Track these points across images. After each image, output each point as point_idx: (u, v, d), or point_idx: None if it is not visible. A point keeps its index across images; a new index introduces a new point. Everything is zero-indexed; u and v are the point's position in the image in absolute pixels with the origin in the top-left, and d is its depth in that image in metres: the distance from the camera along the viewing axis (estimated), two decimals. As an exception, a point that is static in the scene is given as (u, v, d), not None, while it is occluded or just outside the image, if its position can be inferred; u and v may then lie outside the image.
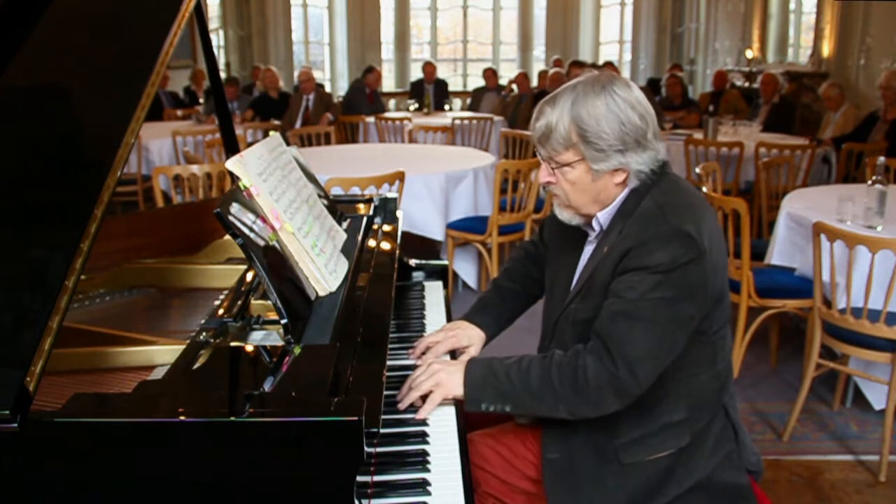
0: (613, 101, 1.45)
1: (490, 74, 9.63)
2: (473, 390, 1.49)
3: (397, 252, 2.09)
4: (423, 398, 1.50)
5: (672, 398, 1.52)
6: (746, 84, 9.48)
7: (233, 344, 1.42)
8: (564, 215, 1.59)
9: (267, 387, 1.22)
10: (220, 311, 1.56)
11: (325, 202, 1.91)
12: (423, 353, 1.71)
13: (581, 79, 1.51)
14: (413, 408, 1.50)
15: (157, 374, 1.39)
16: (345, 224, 2.01)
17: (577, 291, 1.56)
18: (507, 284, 1.86)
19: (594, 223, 1.56)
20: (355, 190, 3.63)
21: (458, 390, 1.49)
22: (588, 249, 1.61)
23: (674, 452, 1.52)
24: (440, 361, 1.57)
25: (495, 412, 1.50)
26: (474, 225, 4.36)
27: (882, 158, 3.44)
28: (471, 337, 1.75)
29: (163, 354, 1.43)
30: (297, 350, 1.35)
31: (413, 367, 1.60)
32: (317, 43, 13.09)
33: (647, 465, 1.52)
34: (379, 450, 1.34)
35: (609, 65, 8.66)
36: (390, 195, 2.44)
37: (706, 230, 1.46)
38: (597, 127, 1.45)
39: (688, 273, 1.42)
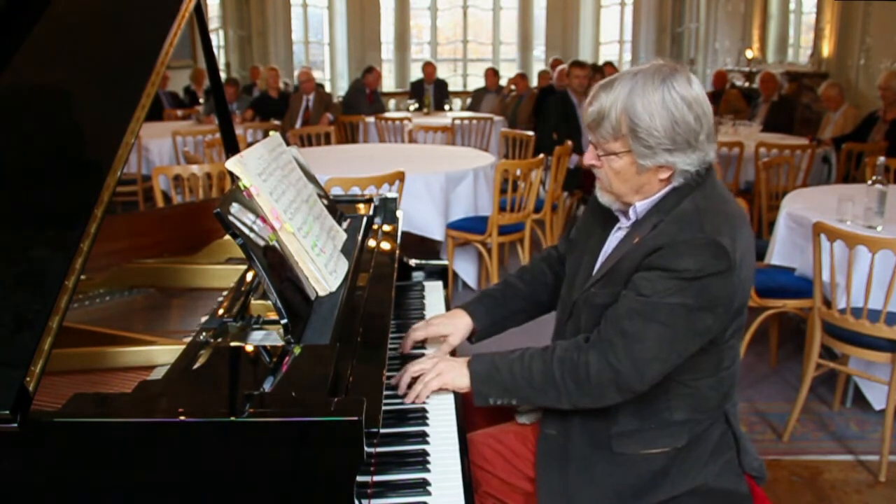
0: (671, 96, 1.41)
1: (491, 75, 9.62)
2: (480, 385, 1.53)
3: (397, 252, 2.09)
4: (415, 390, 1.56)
5: (673, 398, 1.52)
6: (746, 84, 9.48)
7: (233, 344, 1.41)
8: (605, 199, 1.57)
9: (267, 387, 1.22)
10: (220, 311, 1.56)
11: (325, 202, 1.91)
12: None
13: (643, 66, 1.47)
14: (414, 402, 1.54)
15: (157, 374, 1.39)
16: (345, 224, 2.01)
17: (600, 275, 1.55)
18: (513, 281, 1.86)
19: (630, 211, 1.55)
20: (355, 190, 3.62)
21: (457, 381, 1.54)
22: (617, 236, 1.60)
23: (669, 452, 1.52)
24: (443, 357, 1.61)
25: (504, 405, 1.54)
26: (474, 225, 4.35)
27: (882, 158, 3.45)
28: (455, 326, 1.76)
29: (163, 354, 1.43)
30: (297, 350, 1.35)
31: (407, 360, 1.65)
32: (317, 43, 13.09)
33: (639, 460, 1.52)
34: (379, 450, 1.34)
35: (609, 65, 8.65)
36: (390, 195, 2.45)
37: (740, 245, 1.44)
38: (649, 123, 1.41)
39: (713, 284, 1.40)
